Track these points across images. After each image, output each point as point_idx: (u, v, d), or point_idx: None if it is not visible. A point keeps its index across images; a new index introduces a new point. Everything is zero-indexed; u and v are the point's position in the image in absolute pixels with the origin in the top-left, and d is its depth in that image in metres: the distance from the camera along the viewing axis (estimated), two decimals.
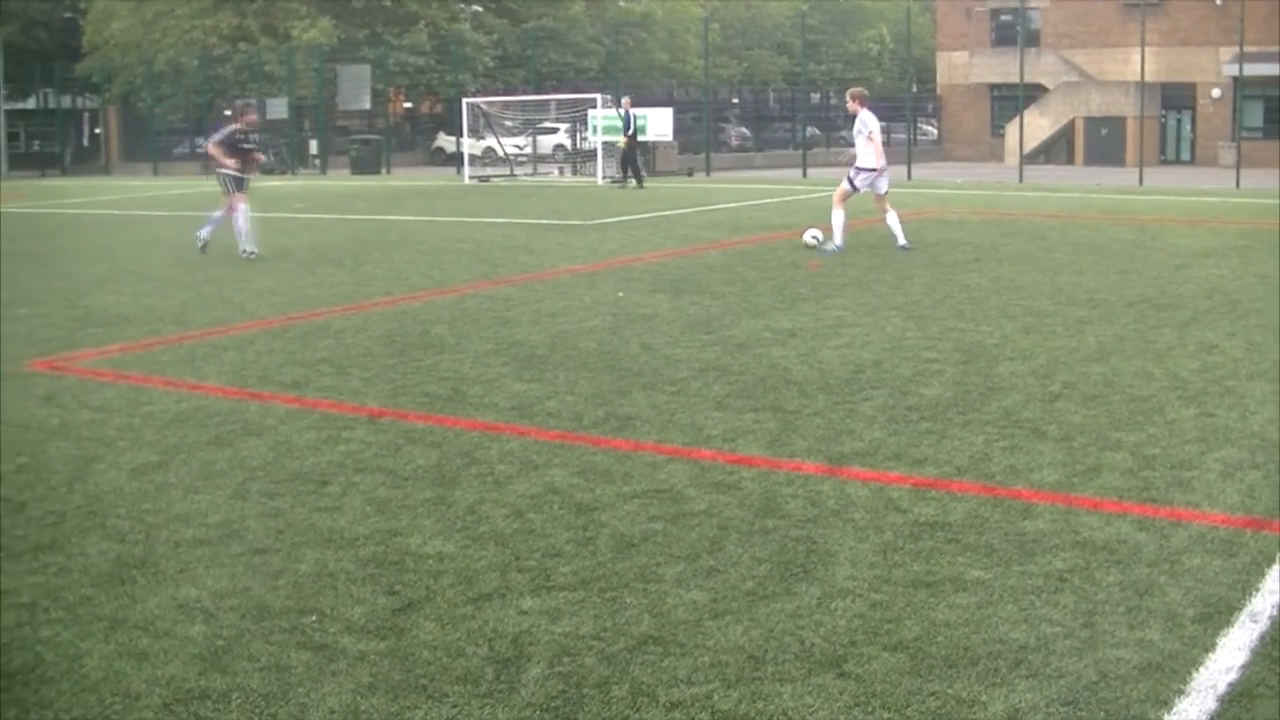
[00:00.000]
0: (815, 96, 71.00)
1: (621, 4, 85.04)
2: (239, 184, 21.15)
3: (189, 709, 4.95)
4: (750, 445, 8.57)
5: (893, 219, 20.53)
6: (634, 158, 41.49)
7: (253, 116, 22.75)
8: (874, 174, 20.39)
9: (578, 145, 50.34)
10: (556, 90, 52.73)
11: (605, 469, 8.04)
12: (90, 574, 6.43)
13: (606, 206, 31.49)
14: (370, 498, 7.52)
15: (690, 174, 48.67)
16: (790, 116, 65.29)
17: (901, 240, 20.20)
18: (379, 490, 7.66)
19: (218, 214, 21.71)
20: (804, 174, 45.78)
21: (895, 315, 13.80)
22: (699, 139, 54.50)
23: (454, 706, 4.92)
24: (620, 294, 15.67)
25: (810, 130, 58.72)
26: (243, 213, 20.82)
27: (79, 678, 5.25)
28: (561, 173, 51.67)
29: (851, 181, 20.53)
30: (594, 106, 46.28)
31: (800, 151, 51.12)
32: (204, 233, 21.71)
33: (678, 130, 49.39)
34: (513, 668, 5.22)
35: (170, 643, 5.55)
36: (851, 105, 20.74)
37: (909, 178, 43.20)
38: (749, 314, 14.01)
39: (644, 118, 46.28)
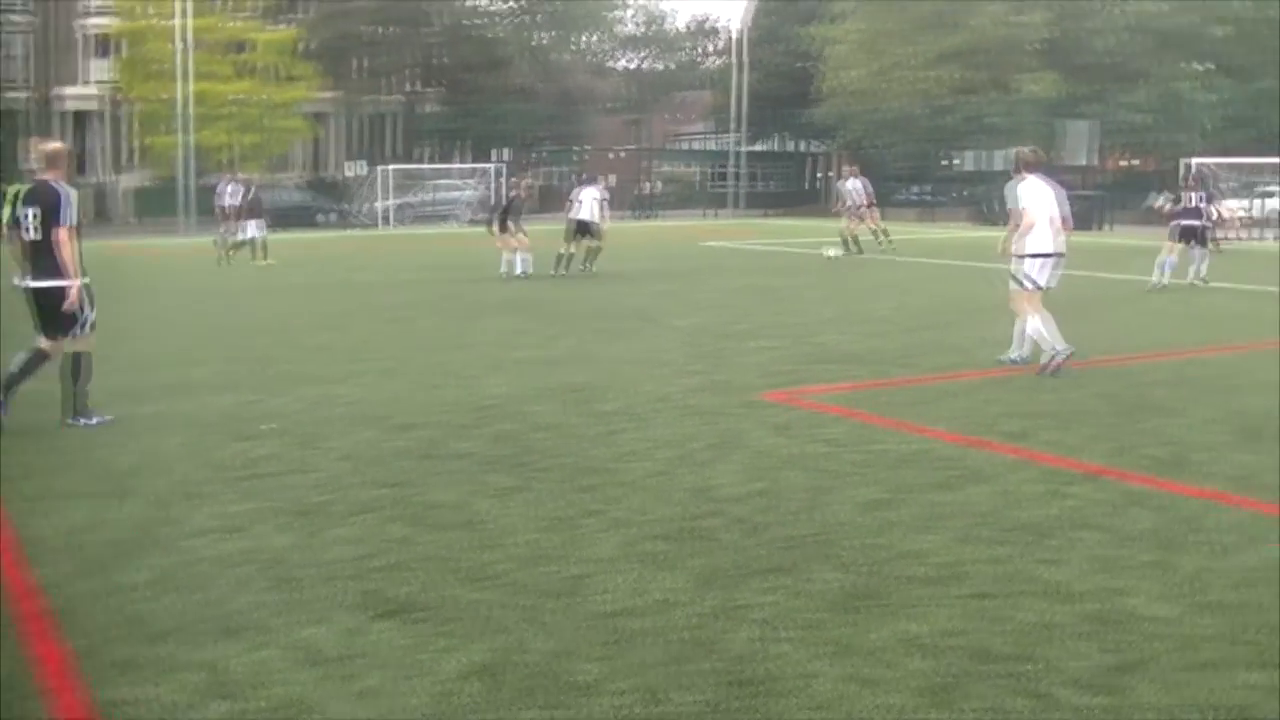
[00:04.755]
0: None
1: None
2: None
3: None
4: None
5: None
6: None
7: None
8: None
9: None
10: None
11: None
12: (821, 600, 6.82)
13: None
14: (1092, 555, 7.58)
15: None
16: None
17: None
18: (1100, 548, 7.71)
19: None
20: None
21: None
22: None
23: None
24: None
25: None
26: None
27: (810, 696, 5.61)
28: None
29: None
30: None
31: None
32: None
33: None
34: None
35: (896, 674, 5.83)
36: None
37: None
38: None
39: None
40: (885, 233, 37.62)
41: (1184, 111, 63.76)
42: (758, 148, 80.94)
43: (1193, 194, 27.40)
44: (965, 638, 6.26)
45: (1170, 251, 26.15)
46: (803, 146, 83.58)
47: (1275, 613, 6.64)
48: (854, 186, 38.10)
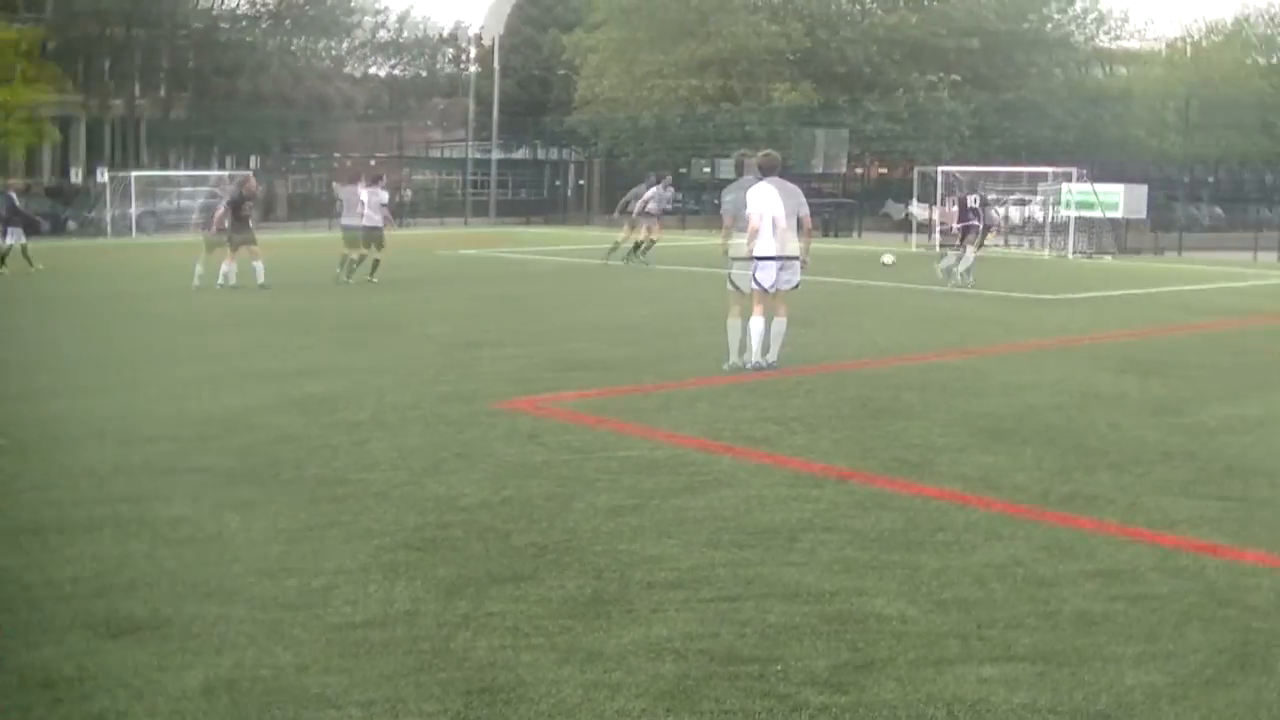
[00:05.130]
0: None
1: (1100, 78, 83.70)
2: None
3: None
4: (1215, 533, 8.39)
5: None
6: None
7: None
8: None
9: (1050, 218, 49.54)
10: (1030, 162, 52.00)
11: (1069, 545, 8.01)
12: (569, 606, 6.80)
13: (1077, 281, 31.08)
14: (837, 556, 7.69)
15: (1162, 252, 47.53)
16: (1269, 198, 62.91)
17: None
18: (846, 550, 7.83)
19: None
20: None
21: None
22: (1172, 217, 53.10)
23: None
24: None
25: None
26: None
27: (556, 702, 5.58)
28: (1032, 245, 51.01)
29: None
30: (1068, 179, 45.59)
31: (1278, 234, 49.26)
32: None
33: (1150, 207, 48.28)
34: None
35: (642, 678, 5.83)
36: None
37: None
38: (1219, 399, 13.67)
39: (1116, 194, 45.55)
40: (648, 246, 36.51)
41: (935, 121, 65.39)
42: (513, 155, 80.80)
43: (969, 197, 29.76)
44: (710, 641, 6.29)
45: (964, 249, 28.51)
46: (558, 154, 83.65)
47: (1013, 608, 6.80)
48: (671, 195, 37.85)
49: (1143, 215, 47.41)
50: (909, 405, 12.95)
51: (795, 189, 15.19)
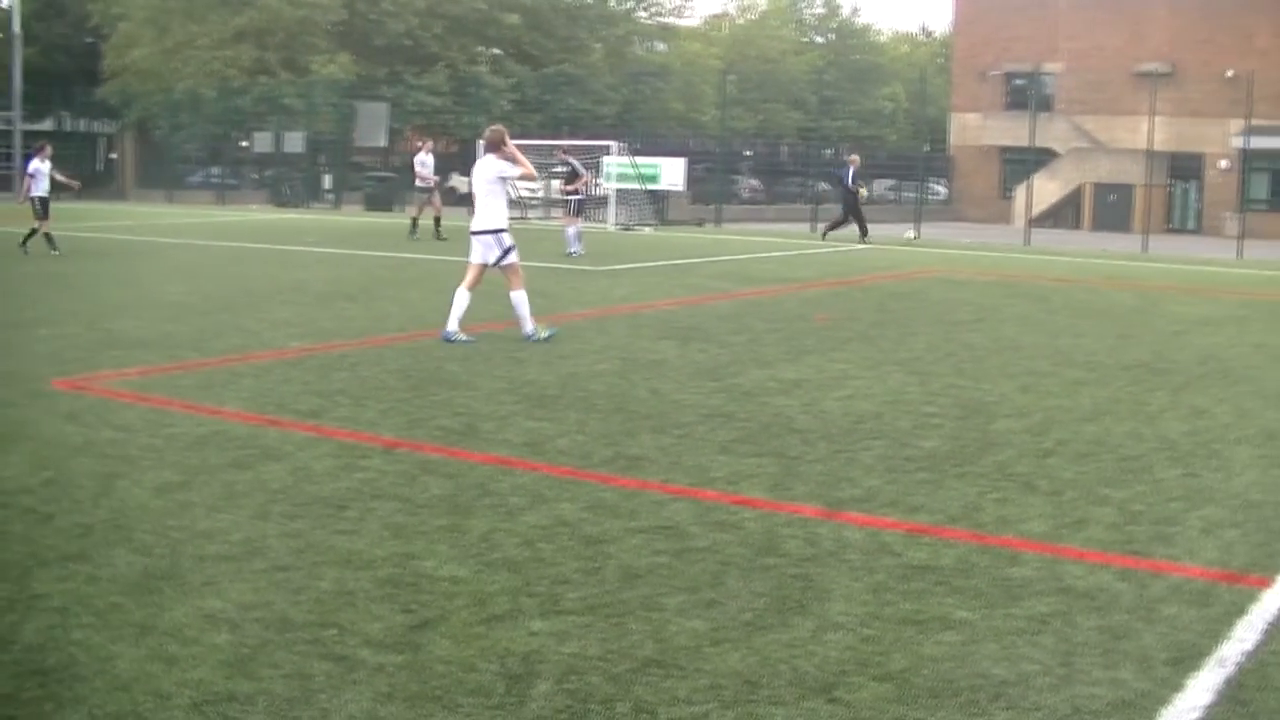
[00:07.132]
0: (828, 151, 71.49)
1: (640, 53, 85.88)
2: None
3: (217, 709, 5.23)
4: (752, 488, 8.88)
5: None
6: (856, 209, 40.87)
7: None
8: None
9: (591, 191, 50.56)
10: (573, 136, 52.99)
11: (613, 505, 8.34)
12: (118, 583, 6.71)
13: (618, 253, 31.86)
14: (387, 523, 7.82)
15: (701, 224, 49.06)
16: (803, 170, 65.87)
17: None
18: (395, 516, 7.96)
19: None
20: (814, 228, 46.26)
21: (897, 370, 14.11)
22: (711, 189, 54.94)
23: (467, 717, 5.22)
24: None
25: (822, 185, 59.11)
26: None
27: (111, 678, 5.53)
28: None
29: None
30: (608, 153, 46.58)
31: (811, 206, 51.63)
32: None
33: (690, 180, 49.77)
34: (522, 683, 5.52)
35: (197, 649, 5.84)
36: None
37: (917, 236, 43.64)
38: (756, 363, 14.33)
39: (656, 166, 46.75)
40: (438, 221, 35.69)
41: (476, 95, 65.88)
42: (38, 127, 77.46)
43: (578, 165, 32.29)
44: (266, 609, 6.34)
45: (573, 223, 31.05)
46: (87, 127, 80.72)
47: (559, 565, 7.06)
48: (427, 160, 36.77)
49: (682, 188, 48.79)
50: (453, 375, 13.13)
51: (489, 164, 15.70)
